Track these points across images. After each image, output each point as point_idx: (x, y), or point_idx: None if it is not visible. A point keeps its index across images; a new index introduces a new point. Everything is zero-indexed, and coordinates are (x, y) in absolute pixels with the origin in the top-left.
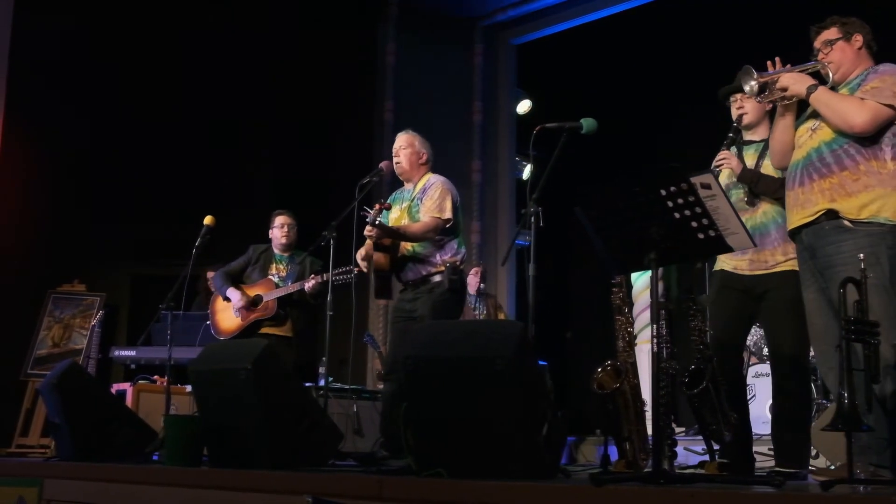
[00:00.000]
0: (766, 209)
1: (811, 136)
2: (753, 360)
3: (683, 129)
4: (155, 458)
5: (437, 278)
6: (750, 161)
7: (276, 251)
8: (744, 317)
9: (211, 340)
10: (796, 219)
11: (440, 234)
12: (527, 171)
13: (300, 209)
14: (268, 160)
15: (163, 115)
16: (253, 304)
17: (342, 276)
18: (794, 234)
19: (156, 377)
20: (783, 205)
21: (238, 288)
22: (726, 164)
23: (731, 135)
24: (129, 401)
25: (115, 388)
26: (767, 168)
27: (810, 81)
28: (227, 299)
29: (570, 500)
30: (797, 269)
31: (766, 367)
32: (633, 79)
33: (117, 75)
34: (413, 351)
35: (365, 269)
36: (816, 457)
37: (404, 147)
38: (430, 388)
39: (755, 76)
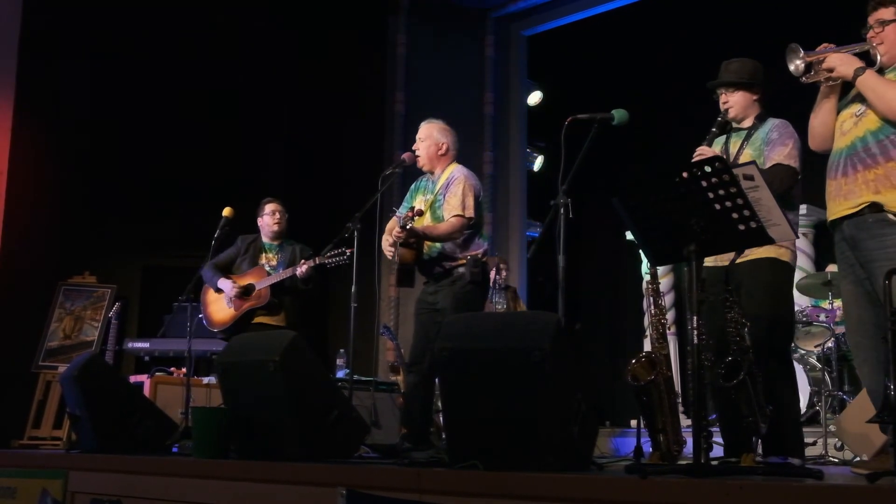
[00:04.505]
0: None
1: (856, 124)
2: None
3: (696, 118)
4: (175, 450)
5: (460, 271)
6: (734, 148)
7: (265, 240)
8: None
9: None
10: (838, 210)
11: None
12: (538, 163)
13: (312, 200)
14: (279, 152)
15: (174, 107)
16: (245, 293)
17: (336, 259)
18: (834, 225)
19: (172, 369)
20: None
21: (228, 278)
22: (700, 158)
23: (713, 129)
24: (146, 392)
25: (130, 379)
26: (746, 156)
27: (858, 63)
28: (218, 290)
29: (617, 492)
30: (770, 256)
31: None
32: (644, 69)
33: (127, 68)
34: (448, 343)
35: (390, 256)
36: (841, 449)
37: (423, 139)
38: (465, 380)
39: (801, 55)
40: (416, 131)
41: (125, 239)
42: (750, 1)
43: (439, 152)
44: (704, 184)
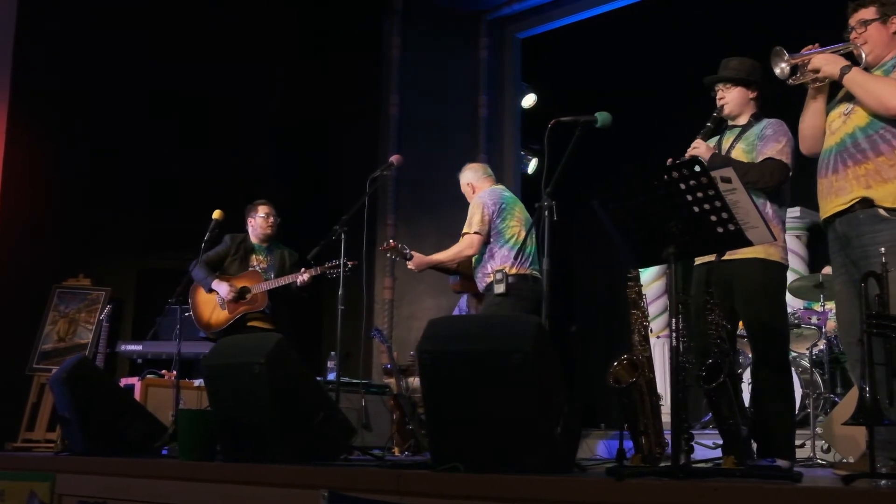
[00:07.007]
0: None
1: (845, 122)
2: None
3: (689, 122)
4: (164, 452)
5: (493, 285)
6: (726, 144)
7: (254, 241)
8: (725, 308)
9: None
10: (829, 207)
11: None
12: (532, 166)
13: (306, 203)
14: (274, 154)
15: (168, 109)
16: (240, 296)
17: (334, 271)
18: (827, 224)
19: (163, 371)
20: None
21: (222, 279)
22: (695, 151)
23: (708, 124)
24: (137, 395)
25: (122, 382)
26: (738, 152)
27: (843, 62)
28: (211, 291)
29: (593, 494)
30: (759, 256)
31: None
32: (638, 72)
33: (123, 69)
34: (430, 345)
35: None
36: (828, 451)
37: (463, 190)
38: (446, 383)
39: (786, 57)
40: (410, 133)
41: (121, 241)
42: (744, 5)
43: (472, 193)
44: (683, 186)
